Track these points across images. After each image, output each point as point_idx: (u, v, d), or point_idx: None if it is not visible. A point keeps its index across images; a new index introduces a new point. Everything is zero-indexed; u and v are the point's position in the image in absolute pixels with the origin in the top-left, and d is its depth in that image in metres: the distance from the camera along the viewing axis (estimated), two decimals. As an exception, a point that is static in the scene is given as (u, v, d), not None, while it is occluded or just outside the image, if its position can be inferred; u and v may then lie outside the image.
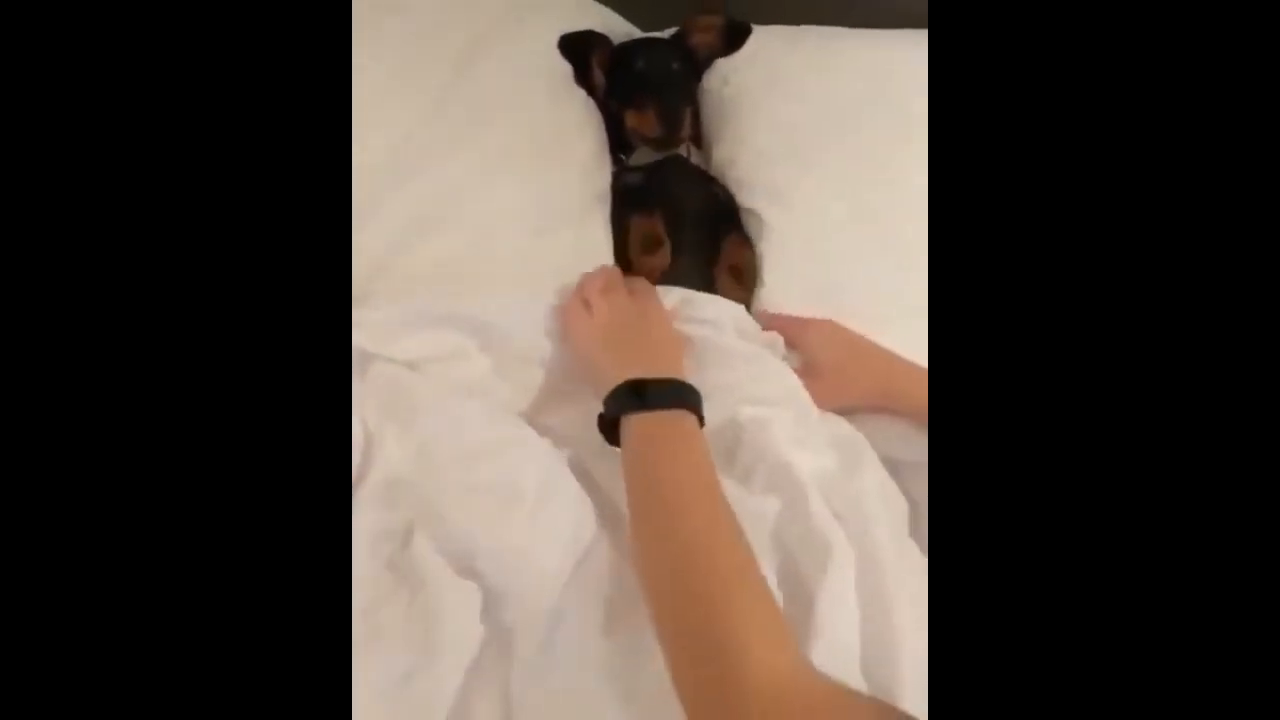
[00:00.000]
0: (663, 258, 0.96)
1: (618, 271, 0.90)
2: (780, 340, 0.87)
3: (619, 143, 1.06)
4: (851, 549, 0.69)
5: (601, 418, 0.74)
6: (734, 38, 1.08)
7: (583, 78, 1.05)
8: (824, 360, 0.84)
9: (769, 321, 0.89)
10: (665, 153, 1.04)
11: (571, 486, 0.73)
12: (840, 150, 1.03)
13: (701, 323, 0.87)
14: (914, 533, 0.75)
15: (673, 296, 0.89)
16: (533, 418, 0.82)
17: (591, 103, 1.06)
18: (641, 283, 0.89)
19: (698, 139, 1.11)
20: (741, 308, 0.92)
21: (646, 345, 0.79)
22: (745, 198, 1.03)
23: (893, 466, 0.79)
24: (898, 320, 0.90)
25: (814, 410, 0.82)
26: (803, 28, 1.12)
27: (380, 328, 0.79)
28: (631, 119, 1.02)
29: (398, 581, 0.68)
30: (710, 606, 0.58)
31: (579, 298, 0.85)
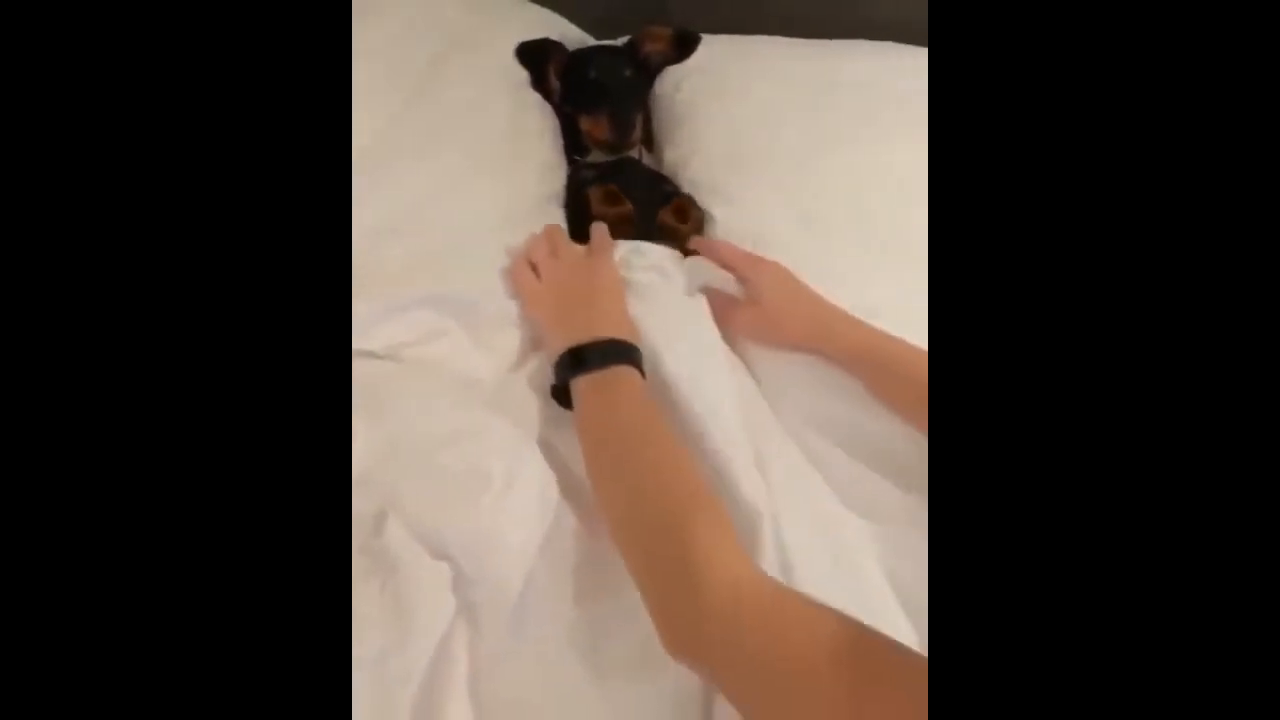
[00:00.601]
0: (625, 206, 1.00)
1: (562, 231, 0.93)
2: (731, 280, 0.91)
3: (574, 146, 1.09)
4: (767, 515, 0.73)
5: (553, 387, 0.78)
6: (684, 46, 1.13)
7: (539, 84, 1.08)
8: (769, 299, 0.88)
9: (723, 252, 0.92)
10: (618, 155, 1.07)
11: (537, 468, 0.76)
12: (786, 153, 1.08)
13: (647, 269, 0.90)
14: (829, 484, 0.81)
15: (622, 248, 0.92)
16: (513, 376, 0.85)
17: (548, 107, 1.08)
18: (599, 236, 0.91)
19: (649, 142, 1.15)
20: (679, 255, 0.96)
21: (589, 307, 0.82)
22: (696, 198, 1.07)
23: (821, 421, 0.85)
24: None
25: (736, 364, 0.87)
26: (750, 37, 1.18)
27: (356, 321, 0.80)
28: (586, 124, 1.06)
29: (370, 567, 0.70)
30: (670, 528, 0.61)
31: (525, 261, 0.88)
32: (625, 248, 0.92)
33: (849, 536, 0.77)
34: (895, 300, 0.92)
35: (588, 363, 0.76)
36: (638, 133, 1.06)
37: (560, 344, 0.78)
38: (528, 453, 0.76)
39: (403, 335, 0.83)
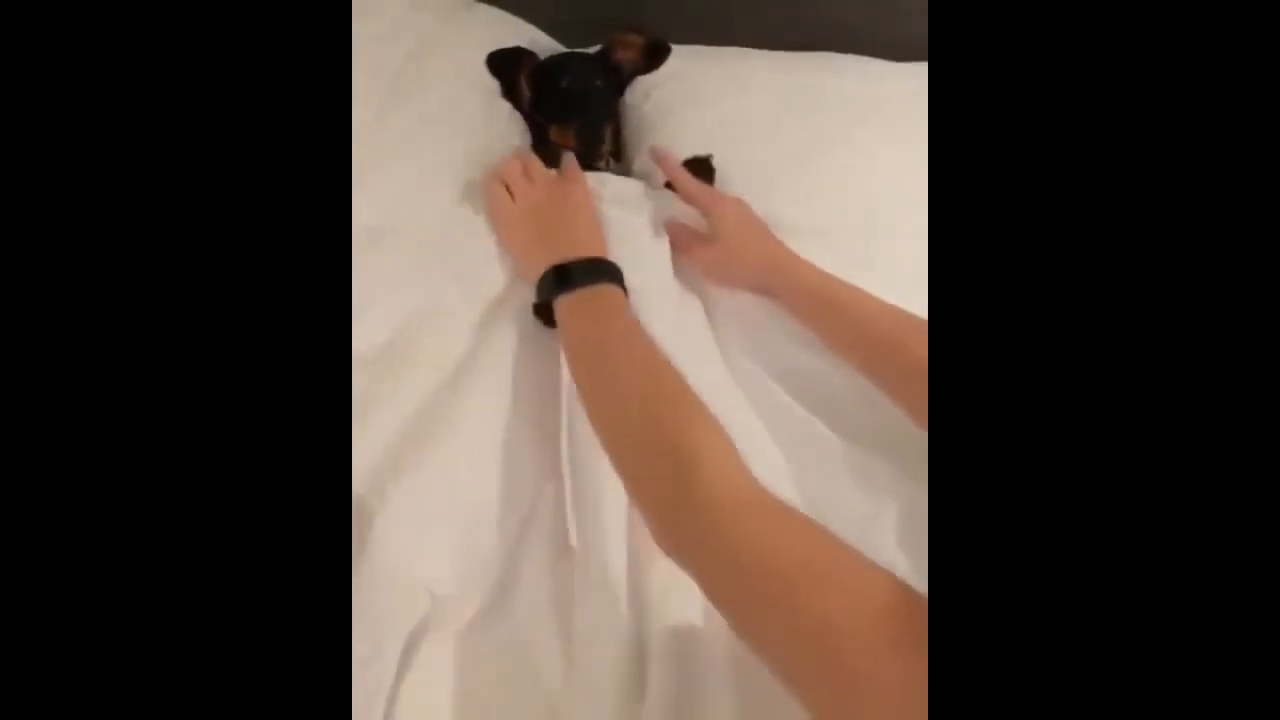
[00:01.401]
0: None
1: (534, 156, 0.94)
2: (694, 214, 0.95)
3: (544, 155, 1.08)
4: None
5: (535, 305, 0.80)
6: (655, 56, 1.13)
7: (510, 93, 1.08)
8: (727, 232, 0.90)
9: (687, 185, 0.95)
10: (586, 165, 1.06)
11: (521, 444, 0.78)
12: (756, 165, 1.08)
13: (613, 202, 0.93)
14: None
15: (589, 179, 0.94)
16: (500, 309, 0.86)
17: (518, 115, 1.08)
18: (570, 166, 0.93)
19: (618, 153, 1.14)
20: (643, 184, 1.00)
21: (568, 228, 0.84)
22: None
23: (771, 367, 0.88)
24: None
25: (693, 306, 0.90)
26: (719, 48, 1.18)
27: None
28: (555, 133, 1.06)
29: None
30: (666, 431, 0.63)
31: (500, 183, 0.89)
32: (591, 179, 0.94)
33: (787, 490, 0.79)
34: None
35: (573, 280, 0.77)
36: (607, 144, 1.06)
37: (542, 262, 0.80)
38: (511, 435, 0.78)
39: (409, 303, 0.84)
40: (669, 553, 0.60)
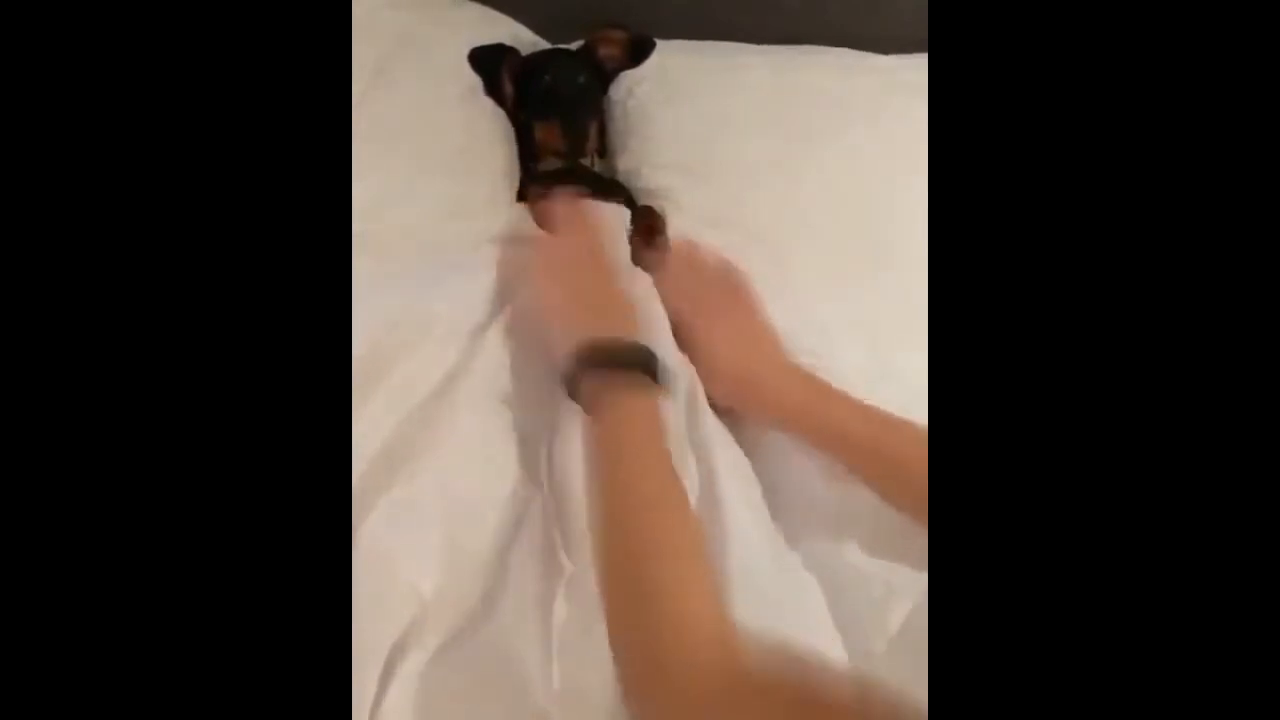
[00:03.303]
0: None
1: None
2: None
3: (528, 152, 1.08)
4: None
5: (564, 379, 0.75)
6: (638, 51, 1.12)
7: (492, 89, 1.07)
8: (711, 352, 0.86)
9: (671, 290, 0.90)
10: (570, 163, 1.05)
11: (511, 452, 0.77)
12: (739, 161, 1.08)
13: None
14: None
15: None
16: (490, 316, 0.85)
17: (501, 114, 1.07)
18: (570, 215, 0.90)
19: (603, 149, 1.13)
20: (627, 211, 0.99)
21: (594, 296, 0.80)
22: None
23: None
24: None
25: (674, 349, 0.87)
26: (703, 43, 1.17)
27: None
28: (539, 131, 1.05)
29: None
30: (649, 585, 0.60)
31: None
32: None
33: (792, 542, 0.78)
34: (846, 316, 0.92)
35: (603, 363, 0.72)
36: (592, 141, 1.05)
37: (570, 333, 0.75)
38: (500, 437, 0.77)
39: (374, 326, 0.81)
40: (630, 703, 0.59)
